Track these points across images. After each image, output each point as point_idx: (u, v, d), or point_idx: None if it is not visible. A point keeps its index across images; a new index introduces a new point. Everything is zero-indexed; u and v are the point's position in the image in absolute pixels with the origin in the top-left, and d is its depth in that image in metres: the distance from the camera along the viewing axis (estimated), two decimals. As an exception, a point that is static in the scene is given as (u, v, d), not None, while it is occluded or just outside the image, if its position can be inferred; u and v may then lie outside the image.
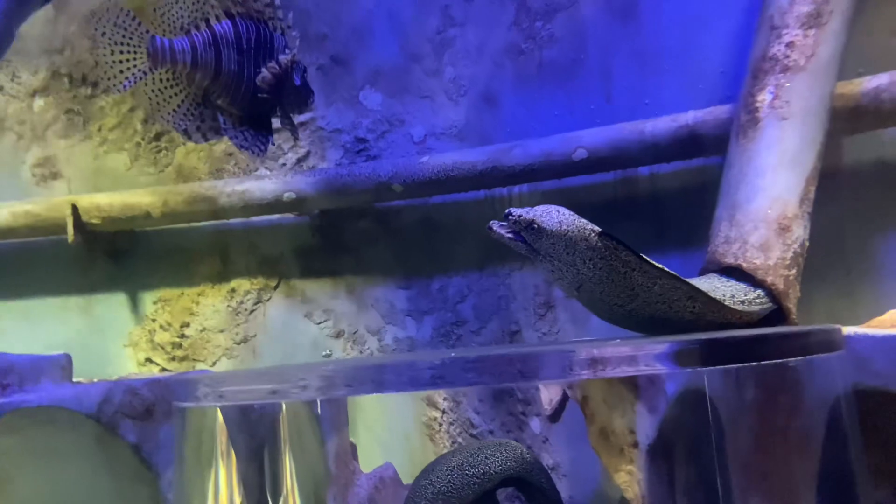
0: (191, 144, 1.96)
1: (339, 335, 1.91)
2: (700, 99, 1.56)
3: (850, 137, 1.38)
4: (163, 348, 1.99)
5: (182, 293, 1.99)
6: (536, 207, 1.09)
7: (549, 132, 1.68)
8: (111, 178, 2.00)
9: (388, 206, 1.85)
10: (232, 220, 1.94)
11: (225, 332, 1.97)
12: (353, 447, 1.22)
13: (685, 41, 1.60)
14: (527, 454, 1.21)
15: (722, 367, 0.69)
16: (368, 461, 1.24)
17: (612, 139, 1.55)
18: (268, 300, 1.96)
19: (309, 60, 1.91)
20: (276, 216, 1.92)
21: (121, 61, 1.24)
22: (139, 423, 1.11)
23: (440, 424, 1.72)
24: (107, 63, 1.23)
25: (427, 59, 1.84)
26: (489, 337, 1.77)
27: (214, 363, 1.98)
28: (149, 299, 2.00)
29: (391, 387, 0.69)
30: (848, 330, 0.85)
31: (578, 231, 1.06)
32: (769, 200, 1.20)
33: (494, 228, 1.09)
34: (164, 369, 1.98)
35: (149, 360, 1.99)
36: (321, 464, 1.08)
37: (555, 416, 1.24)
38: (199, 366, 1.98)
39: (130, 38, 1.23)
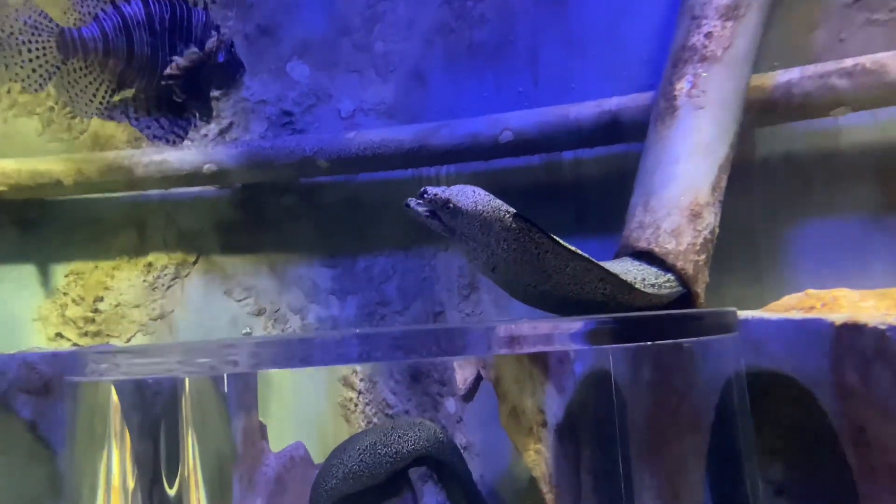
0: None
1: (259, 313, 1.87)
2: (624, 85, 1.57)
3: (762, 129, 1.42)
4: (74, 323, 1.91)
5: (96, 266, 1.91)
6: (452, 187, 1.09)
7: (478, 113, 1.67)
8: (20, 144, 1.91)
9: (313, 182, 1.82)
10: (150, 192, 1.87)
11: (141, 308, 1.91)
12: (263, 427, 1.20)
13: (611, 27, 1.62)
14: (440, 434, 1.21)
15: (622, 346, 0.70)
16: (281, 441, 1.22)
17: (539, 122, 1.56)
18: (186, 276, 1.91)
19: (234, 29, 1.85)
20: (196, 189, 1.87)
21: (32, 59, 1.18)
22: (36, 399, 1.06)
23: (356, 405, 1.71)
24: (18, 64, 1.18)
25: (357, 32, 1.81)
26: (413, 317, 1.76)
27: (129, 339, 1.92)
28: (60, 272, 1.92)
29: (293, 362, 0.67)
30: (745, 313, 0.88)
31: (493, 212, 1.06)
32: (682, 187, 1.23)
33: (411, 206, 1.08)
34: (75, 345, 1.91)
35: (59, 335, 1.91)
36: (227, 443, 1.05)
37: (468, 395, 1.24)
38: (113, 341, 1.91)
39: (40, 35, 1.18)
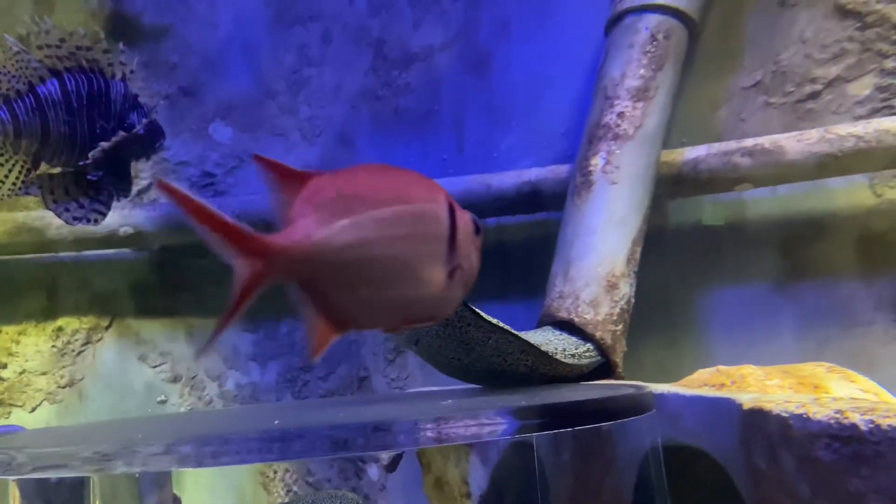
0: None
1: (176, 380, 1.81)
2: (544, 156, 1.63)
3: (673, 201, 1.49)
4: (-27, 392, 1.80)
5: (0, 331, 1.81)
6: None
7: (402, 178, 1.70)
8: (-80, 202, 1.81)
9: (235, 245, 1.79)
10: (62, 253, 1.80)
11: (48, 375, 1.81)
12: (178, 500, 1.15)
13: (532, 100, 1.68)
14: (363, 507, 1.19)
15: (546, 433, 0.71)
16: (195, 518, 1.17)
17: (462, 190, 1.59)
18: (98, 341, 1.83)
19: (155, 89, 1.83)
20: (111, 250, 1.81)
21: None
22: (-73, 486, 0.99)
23: (275, 472, 1.66)
24: None
25: (282, 95, 1.81)
26: (337, 383, 1.74)
27: (34, 408, 1.81)
28: (-41, 337, 1.81)
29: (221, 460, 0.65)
30: (661, 387, 0.91)
31: (418, 285, 1.07)
32: (599, 258, 1.27)
33: None
34: (-27, 415, 1.79)
35: (-44, 404, 1.80)
36: (138, 526, 1.00)
37: (392, 465, 1.23)
38: (16, 411, 1.81)
39: None
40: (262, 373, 1.78)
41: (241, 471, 1.68)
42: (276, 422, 0.75)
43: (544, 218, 1.63)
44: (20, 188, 1.23)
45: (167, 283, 1.82)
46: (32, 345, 1.82)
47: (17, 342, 1.82)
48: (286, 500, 1.49)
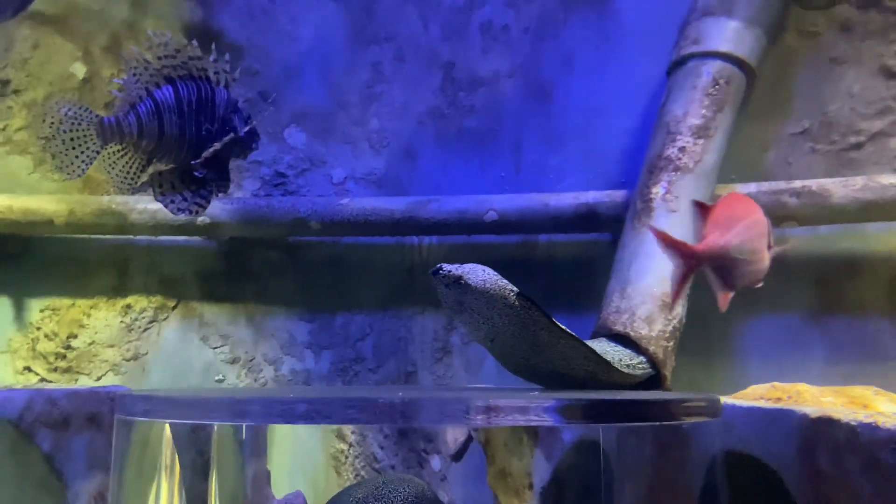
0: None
1: (234, 361, 1.93)
2: (595, 181, 1.76)
3: (720, 232, 1.61)
4: (45, 358, 1.92)
5: (73, 303, 1.94)
6: (465, 265, 1.21)
7: (461, 192, 1.83)
8: (10, 181, 1.94)
9: (299, 240, 1.92)
10: (137, 237, 1.93)
11: (115, 348, 1.93)
12: (268, 473, 1.27)
13: (587, 129, 1.81)
14: (428, 491, 1.31)
15: (629, 424, 0.82)
16: (279, 488, 1.29)
17: (521, 207, 1.71)
18: (164, 320, 1.95)
19: (237, 93, 1.95)
20: (182, 237, 1.93)
21: (75, 148, 1.30)
22: (55, 433, 1.11)
23: (346, 457, 1.78)
24: (62, 153, 1.29)
25: (354, 108, 1.94)
26: (385, 376, 1.86)
27: (99, 378, 1.93)
28: (36, 307, 1.93)
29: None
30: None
31: (500, 290, 1.18)
32: (656, 279, 1.39)
33: (433, 276, 1.19)
34: (43, 379, 1.91)
35: (27, 368, 1.92)
36: (241, 488, 1.13)
37: (458, 455, 1.35)
38: (83, 379, 1.93)
39: (80, 125, 1.29)
40: (316, 360, 1.90)
41: (318, 452, 1.80)
42: (400, 393, 0.86)
43: (593, 238, 1.76)
44: (137, 183, 1.37)
45: (233, 271, 1.94)
46: (102, 319, 1.94)
47: (89, 315, 1.94)
48: (355, 483, 1.61)
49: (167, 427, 0.91)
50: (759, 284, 1.10)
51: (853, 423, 0.71)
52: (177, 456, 0.91)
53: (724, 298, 1.08)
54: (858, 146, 1.55)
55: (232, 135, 1.37)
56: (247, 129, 1.43)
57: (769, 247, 1.09)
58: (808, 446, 0.80)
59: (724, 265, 1.05)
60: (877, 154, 1.53)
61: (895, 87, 1.53)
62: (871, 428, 0.69)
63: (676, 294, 1.12)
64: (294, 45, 1.97)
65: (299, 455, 1.78)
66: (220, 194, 1.46)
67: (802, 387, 1.00)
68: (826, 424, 0.76)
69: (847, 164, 1.55)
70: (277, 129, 1.96)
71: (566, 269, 1.79)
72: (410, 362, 1.86)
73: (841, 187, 1.44)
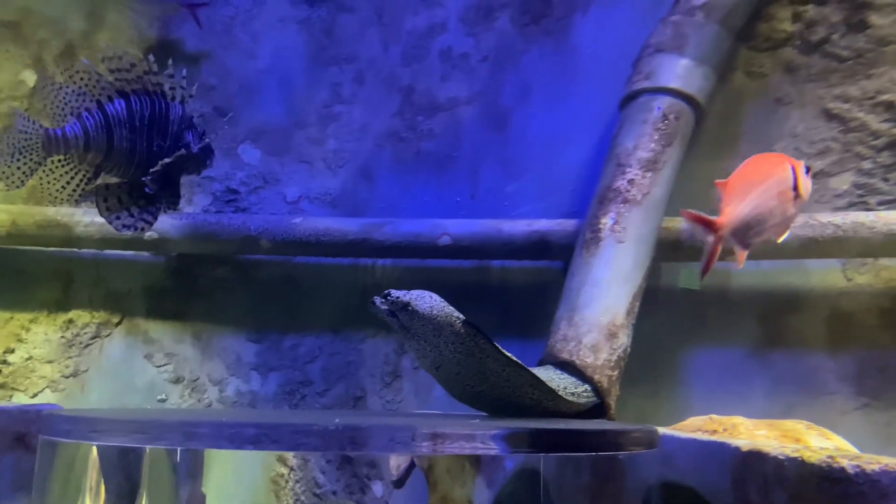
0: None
1: (178, 381, 1.89)
2: (550, 210, 1.78)
3: (667, 264, 1.64)
4: (-23, 373, 1.85)
5: (12, 317, 1.88)
6: (413, 291, 1.21)
7: (417, 215, 1.83)
8: (-49, 187, 1.88)
9: (249, 258, 1.90)
10: (83, 249, 1.88)
11: (54, 364, 1.88)
12: (203, 497, 1.24)
13: (543, 159, 1.83)
14: (368, 516, 1.29)
15: (565, 454, 0.83)
16: (215, 512, 1.25)
17: (475, 232, 1.72)
18: (107, 336, 1.90)
19: (193, 107, 1.93)
20: (130, 252, 1.90)
21: (20, 159, 1.29)
22: (-21, 453, 1.07)
23: (286, 481, 1.74)
24: (7, 166, 1.28)
25: (311, 127, 1.94)
26: (333, 400, 1.84)
27: (35, 395, 1.87)
28: (-30, 320, 1.87)
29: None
30: (659, 431, 1.04)
31: (446, 317, 1.19)
32: (602, 308, 1.41)
33: (377, 304, 1.19)
34: (-26, 396, 1.85)
35: (-41, 384, 1.85)
36: (174, 512, 1.10)
37: (400, 482, 1.33)
38: (18, 396, 1.86)
39: (28, 138, 1.28)
40: (263, 382, 1.87)
41: (258, 476, 1.76)
42: (336, 420, 0.86)
43: (545, 266, 1.77)
44: (80, 195, 1.34)
45: (180, 288, 1.91)
46: (42, 333, 1.88)
47: (28, 329, 1.88)
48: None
49: (94, 449, 0.89)
50: (785, 236, 1.21)
51: (781, 457, 0.73)
52: (102, 479, 0.88)
53: (741, 256, 1.21)
54: (801, 185, 1.59)
55: (183, 151, 1.35)
56: (200, 145, 1.42)
57: (795, 197, 1.18)
58: (740, 479, 0.81)
59: (746, 229, 1.18)
60: (818, 193, 1.58)
61: (835, 129, 1.58)
62: (798, 462, 0.71)
63: (708, 266, 1.21)
64: (253, 62, 1.97)
65: (238, 479, 1.74)
66: (169, 210, 1.44)
67: (738, 419, 1.01)
68: (756, 458, 0.77)
69: (790, 202, 1.59)
70: (232, 145, 1.94)
71: (519, 295, 1.80)
72: (359, 386, 1.84)
73: (783, 224, 1.48)
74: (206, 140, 1.43)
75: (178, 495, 1.12)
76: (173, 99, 1.40)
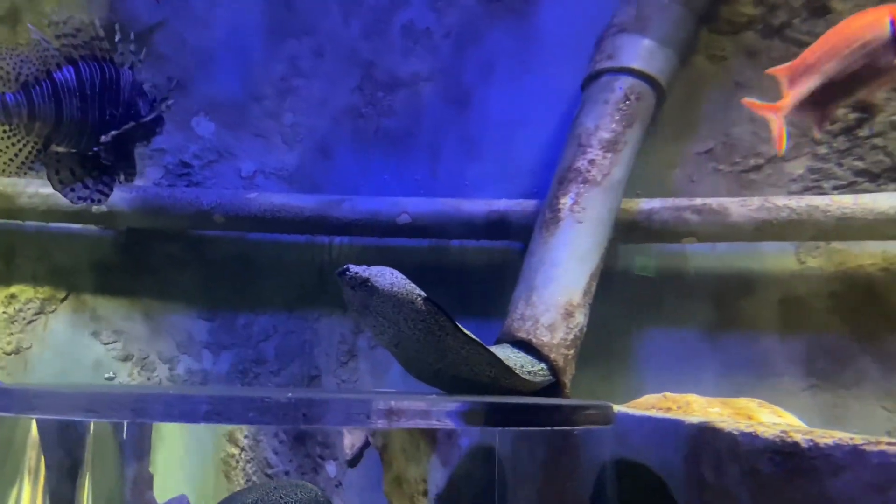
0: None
1: (126, 359, 1.84)
2: (510, 190, 1.77)
3: (624, 245, 1.64)
4: (-87, 350, 1.78)
5: (-51, 292, 1.80)
6: (373, 267, 1.19)
7: (376, 193, 1.80)
8: None
9: (202, 234, 1.85)
10: (26, 222, 1.81)
11: (-6, 341, 1.81)
12: (151, 476, 1.20)
13: (505, 138, 1.81)
14: (321, 497, 1.27)
15: (514, 428, 0.82)
16: (164, 492, 1.22)
17: (435, 211, 1.70)
18: (52, 312, 1.84)
19: (143, 77, 1.87)
20: (77, 225, 1.83)
21: None
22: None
23: (237, 461, 1.71)
24: None
25: (268, 101, 1.89)
26: (288, 379, 1.81)
27: (-25, 373, 1.81)
28: None
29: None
30: (614, 408, 1.04)
31: (407, 294, 1.17)
32: (560, 288, 1.40)
33: (345, 276, 1.15)
34: None
35: None
36: (119, 491, 1.06)
37: (354, 461, 1.31)
38: (-44, 374, 1.79)
39: None
40: (215, 361, 1.83)
41: (208, 456, 1.72)
42: (290, 394, 0.83)
43: (504, 246, 1.76)
44: (29, 166, 1.28)
45: (130, 264, 1.85)
46: (-18, 309, 1.81)
47: (-33, 305, 1.81)
48: (245, 487, 1.55)
49: (34, 425, 0.85)
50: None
51: (735, 432, 0.73)
52: (42, 457, 0.85)
53: (826, 114, 1.19)
54: (757, 168, 1.61)
55: (133, 122, 1.30)
56: (154, 114, 1.36)
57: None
58: (693, 455, 0.81)
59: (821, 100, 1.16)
60: (774, 177, 1.60)
61: (792, 114, 1.59)
62: (751, 437, 0.71)
63: (780, 139, 1.22)
64: (208, 32, 1.90)
65: (187, 459, 1.71)
66: (125, 182, 1.38)
67: (692, 397, 1.02)
68: (710, 433, 0.77)
69: (747, 185, 1.61)
70: (185, 117, 1.88)
71: (478, 275, 1.79)
72: (314, 366, 1.81)
73: (738, 206, 1.50)
74: (160, 109, 1.38)
75: (125, 475, 1.09)
76: (122, 65, 1.34)
